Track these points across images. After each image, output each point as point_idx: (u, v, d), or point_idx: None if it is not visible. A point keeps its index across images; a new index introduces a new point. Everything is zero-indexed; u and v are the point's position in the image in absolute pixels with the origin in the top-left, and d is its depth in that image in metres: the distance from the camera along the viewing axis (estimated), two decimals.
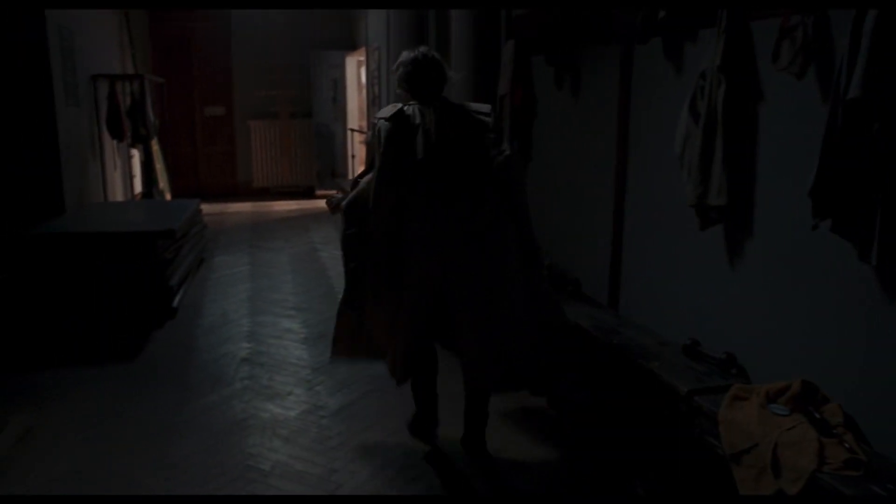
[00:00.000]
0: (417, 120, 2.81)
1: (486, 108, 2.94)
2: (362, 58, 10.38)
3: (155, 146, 8.79)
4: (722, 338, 2.77)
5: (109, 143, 7.88)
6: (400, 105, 2.89)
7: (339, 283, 5.49)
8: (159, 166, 9.05)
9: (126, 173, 8.84)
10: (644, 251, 3.33)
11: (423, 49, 2.95)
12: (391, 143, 2.79)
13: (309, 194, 11.21)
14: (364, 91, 10.61)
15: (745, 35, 2.55)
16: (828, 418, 2.10)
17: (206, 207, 8.20)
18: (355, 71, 11.14)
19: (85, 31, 7.14)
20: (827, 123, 2.05)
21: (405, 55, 2.94)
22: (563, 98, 4.05)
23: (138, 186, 9.17)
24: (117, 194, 8.26)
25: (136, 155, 9.06)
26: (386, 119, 2.84)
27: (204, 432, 3.34)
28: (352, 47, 10.94)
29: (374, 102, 9.34)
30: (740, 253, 2.69)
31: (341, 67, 11.09)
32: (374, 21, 8.89)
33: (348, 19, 11.07)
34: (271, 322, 5.03)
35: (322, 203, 10.57)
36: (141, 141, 8.24)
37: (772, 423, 2.10)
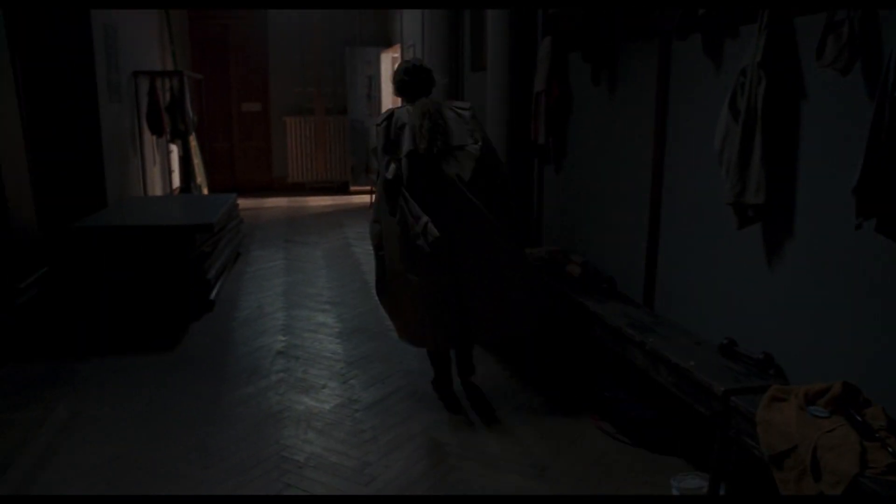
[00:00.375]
0: (405, 119, 3.30)
1: (466, 104, 3.48)
2: (397, 54, 10.42)
3: (193, 142, 8.94)
4: (759, 338, 2.73)
5: (149, 139, 8.04)
6: (391, 109, 3.42)
7: (372, 279, 5.52)
8: (197, 161, 9.21)
9: (165, 168, 9.01)
10: (680, 249, 3.30)
11: (414, 59, 3.60)
12: (387, 143, 3.32)
13: (343, 190, 11.30)
14: None
15: (788, 31, 2.51)
16: (870, 421, 2.05)
17: (242, 202, 8.32)
18: (390, 68, 11.18)
19: (128, 28, 7.29)
20: (872, 120, 2.01)
21: (399, 65, 3.53)
22: (599, 94, 4.02)
23: (176, 181, 9.34)
24: (156, 189, 8.43)
25: (174, 150, 9.23)
26: (378, 124, 3.39)
27: (240, 423, 3.40)
28: (387, 44, 10.99)
29: None
30: (779, 252, 2.65)
31: (376, 64, 11.14)
32: (409, 18, 8.92)
33: (383, 16, 11.13)
34: (306, 316, 5.09)
35: (357, 199, 10.65)
36: (180, 136, 8.39)
37: (811, 425, 2.06)
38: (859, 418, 2.06)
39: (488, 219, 3.28)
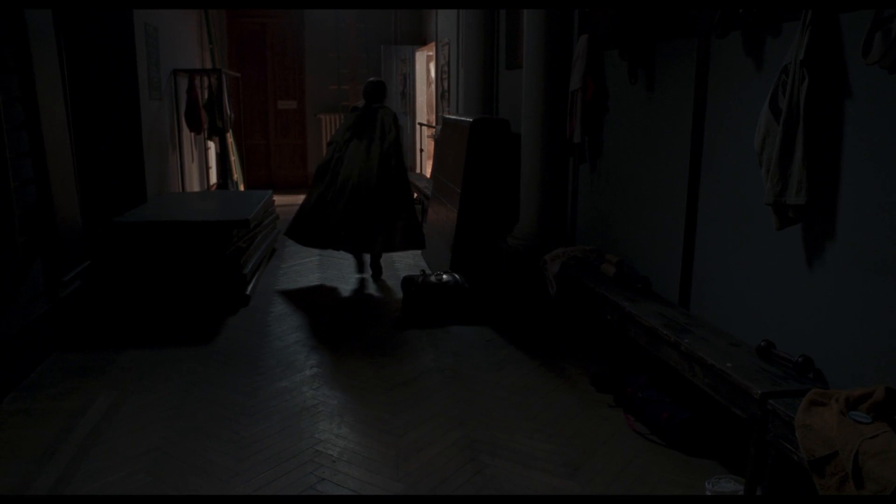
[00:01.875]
0: (361, 112, 5.74)
1: (390, 112, 5.79)
2: (432, 52, 10.44)
3: (230, 139, 9.07)
4: (798, 340, 2.69)
5: (187, 136, 8.18)
6: (357, 104, 5.89)
7: (405, 274, 5.57)
8: (234, 158, 9.34)
9: (202, 165, 9.16)
10: (718, 250, 3.26)
11: (374, 78, 5.94)
12: (350, 121, 5.77)
13: None
14: (433, 86, 10.67)
15: (833, 28, 2.46)
16: None
17: (278, 199, 8.42)
18: (424, 66, 11.21)
19: (168, 27, 7.43)
20: None
21: (367, 81, 5.88)
22: (636, 93, 3.99)
23: (214, 177, 9.49)
24: (194, 185, 8.57)
25: (211, 147, 9.38)
26: (351, 111, 5.86)
27: (275, 416, 3.45)
28: (422, 42, 11.01)
29: (443, 97, 9.38)
30: (820, 253, 2.61)
31: (411, 62, 11.18)
32: (445, 16, 8.93)
33: (419, 15, 11.15)
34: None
35: None
36: (217, 133, 8.52)
37: (853, 431, 2.02)
38: None
39: (382, 174, 5.55)
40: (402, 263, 6.53)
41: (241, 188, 9.48)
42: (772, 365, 2.66)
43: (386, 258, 6.82)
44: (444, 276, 5.13)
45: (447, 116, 7.13)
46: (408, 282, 5.10)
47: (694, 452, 3.07)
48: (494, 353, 4.29)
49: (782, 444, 2.29)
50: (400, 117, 11.69)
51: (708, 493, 2.69)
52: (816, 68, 2.45)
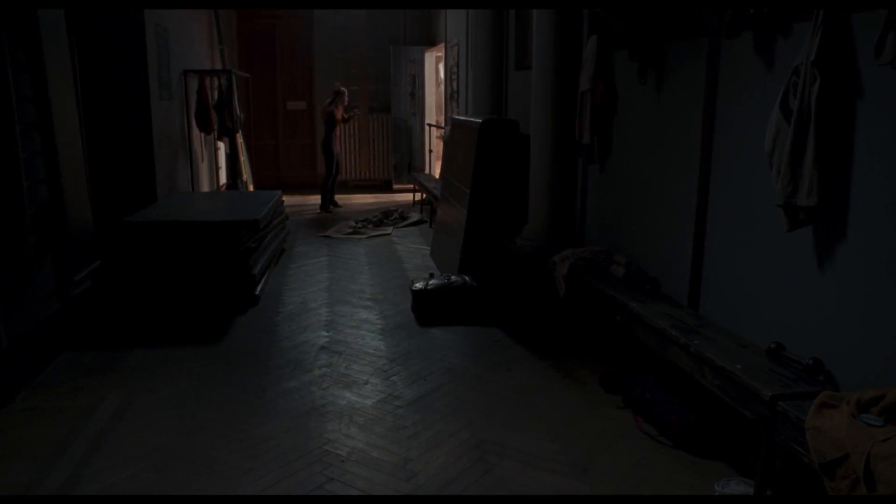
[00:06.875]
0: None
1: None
2: (441, 53, 10.44)
3: (239, 139, 9.10)
4: (808, 342, 2.67)
5: (197, 136, 8.20)
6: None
7: (414, 275, 5.58)
8: (243, 158, 9.37)
9: (212, 165, 9.19)
10: (727, 251, 3.24)
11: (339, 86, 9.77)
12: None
13: (386, 187, 11.38)
14: (442, 86, 10.66)
15: (845, 28, 2.45)
16: None
17: (287, 199, 8.44)
18: (434, 66, 11.21)
19: (178, 28, 7.46)
20: None
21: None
22: (645, 93, 3.97)
23: (223, 178, 9.52)
24: (204, 185, 8.60)
25: (221, 147, 9.41)
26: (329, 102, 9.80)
27: (284, 416, 3.45)
28: (431, 43, 11.02)
29: (452, 98, 9.37)
30: (830, 255, 2.59)
31: (420, 63, 11.18)
32: (454, 17, 8.93)
33: (428, 15, 11.15)
34: (349, 312, 5.15)
35: (399, 197, 10.70)
36: (227, 134, 8.55)
37: (864, 434, 2.01)
38: None
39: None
40: (410, 264, 6.54)
41: (251, 188, 9.51)
42: (781, 367, 2.64)
43: (393, 259, 6.82)
44: (452, 277, 5.15)
45: (456, 117, 7.13)
46: (416, 283, 5.11)
47: (702, 454, 3.06)
48: (502, 354, 4.28)
49: (792, 446, 2.27)
50: (408, 118, 11.87)
51: (717, 495, 2.68)
52: (828, 69, 2.44)
